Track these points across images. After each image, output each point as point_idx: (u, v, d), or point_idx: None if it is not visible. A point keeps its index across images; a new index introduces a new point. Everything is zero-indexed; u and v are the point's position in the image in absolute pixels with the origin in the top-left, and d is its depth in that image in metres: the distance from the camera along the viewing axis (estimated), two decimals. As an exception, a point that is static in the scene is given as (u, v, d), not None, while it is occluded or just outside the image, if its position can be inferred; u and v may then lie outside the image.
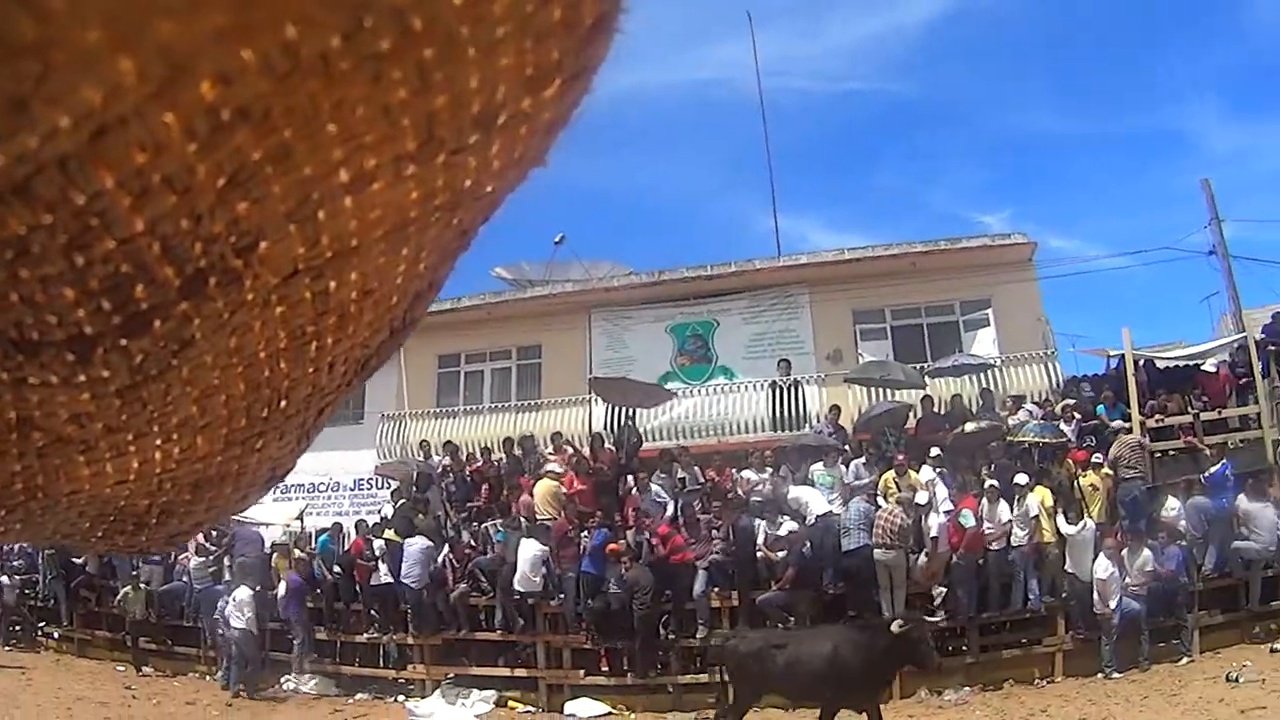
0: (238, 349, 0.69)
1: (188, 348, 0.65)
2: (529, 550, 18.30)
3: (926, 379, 21.85)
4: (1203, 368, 21.45)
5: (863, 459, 18.95)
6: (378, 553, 20.18)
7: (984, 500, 16.85)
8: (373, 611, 20.30)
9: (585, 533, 18.41)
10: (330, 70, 0.49)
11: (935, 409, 21.00)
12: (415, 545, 19.21)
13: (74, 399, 0.66)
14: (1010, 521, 16.68)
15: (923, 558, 16.84)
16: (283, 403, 0.80)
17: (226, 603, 19.94)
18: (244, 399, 0.76)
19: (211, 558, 21.59)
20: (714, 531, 18.00)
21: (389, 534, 20.27)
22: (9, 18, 0.42)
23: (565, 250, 30.37)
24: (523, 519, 19.27)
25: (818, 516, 17.28)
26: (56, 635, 24.22)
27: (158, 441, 0.76)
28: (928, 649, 12.32)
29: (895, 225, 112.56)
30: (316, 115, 0.52)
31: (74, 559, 23.74)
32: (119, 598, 22.05)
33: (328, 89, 0.50)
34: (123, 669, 21.55)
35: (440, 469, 23.46)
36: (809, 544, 17.19)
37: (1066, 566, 16.66)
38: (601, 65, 0.61)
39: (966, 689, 15.87)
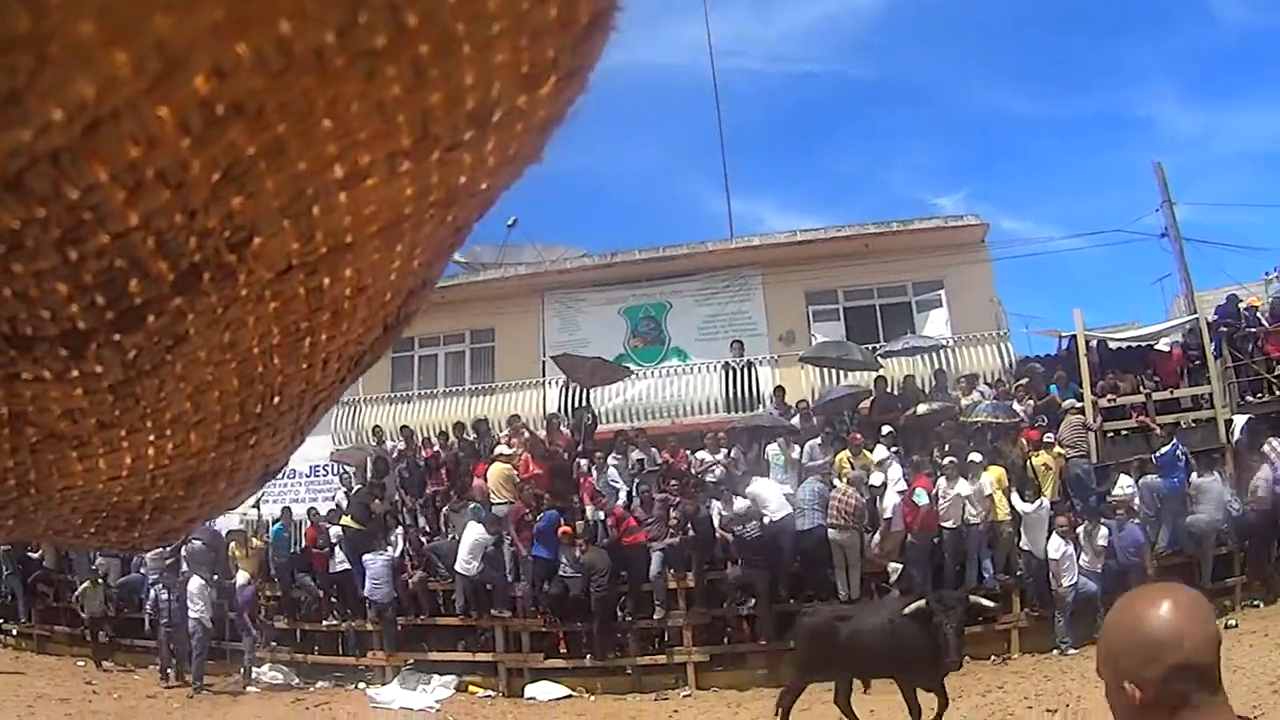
0: (231, 344, 0.69)
1: (181, 343, 0.65)
2: (471, 534, 18.31)
3: (879, 359, 21.89)
4: (1155, 348, 21.61)
5: (818, 439, 18.97)
6: (333, 539, 20.17)
7: (939, 479, 16.98)
8: (331, 599, 20.30)
9: (540, 515, 18.45)
10: (325, 66, 0.50)
11: (889, 389, 21.07)
12: (378, 562, 19.12)
13: (67, 394, 0.67)
14: (965, 500, 16.75)
15: (876, 536, 16.93)
16: (276, 399, 0.80)
17: (174, 594, 19.89)
18: (237, 395, 0.76)
19: (168, 549, 21.36)
20: (670, 513, 18.08)
21: (346, 520, 20.20)
22: (3, 10, 0.43)
23: (518, 233, 30.18)
24: (473, 502, 19.28)
25: (774, 520, 17.25)
26: (15, 632, 23.93)
27: (151, 437, 0.76)
28: (946, 640, 11.81)
29: (850, 207, 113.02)
30: (311, 111, 0.53)
31: (30, 554, 23.61)
32: (77, 593, 21.77)
33: (322, 85, 0.51)
34: (83, 664, 21.36)
35: (395, 454, 23.38)
36: (757, 527, 17.19)
37: (1021, 544, 16.82)
38: (597, 63, 0.62)
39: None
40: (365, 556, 19.18)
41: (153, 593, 20.36)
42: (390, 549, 19.55)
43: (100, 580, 21.63)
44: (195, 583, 19.51)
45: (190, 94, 0.48)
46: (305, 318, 0.70)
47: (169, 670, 19.88)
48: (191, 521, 1.02)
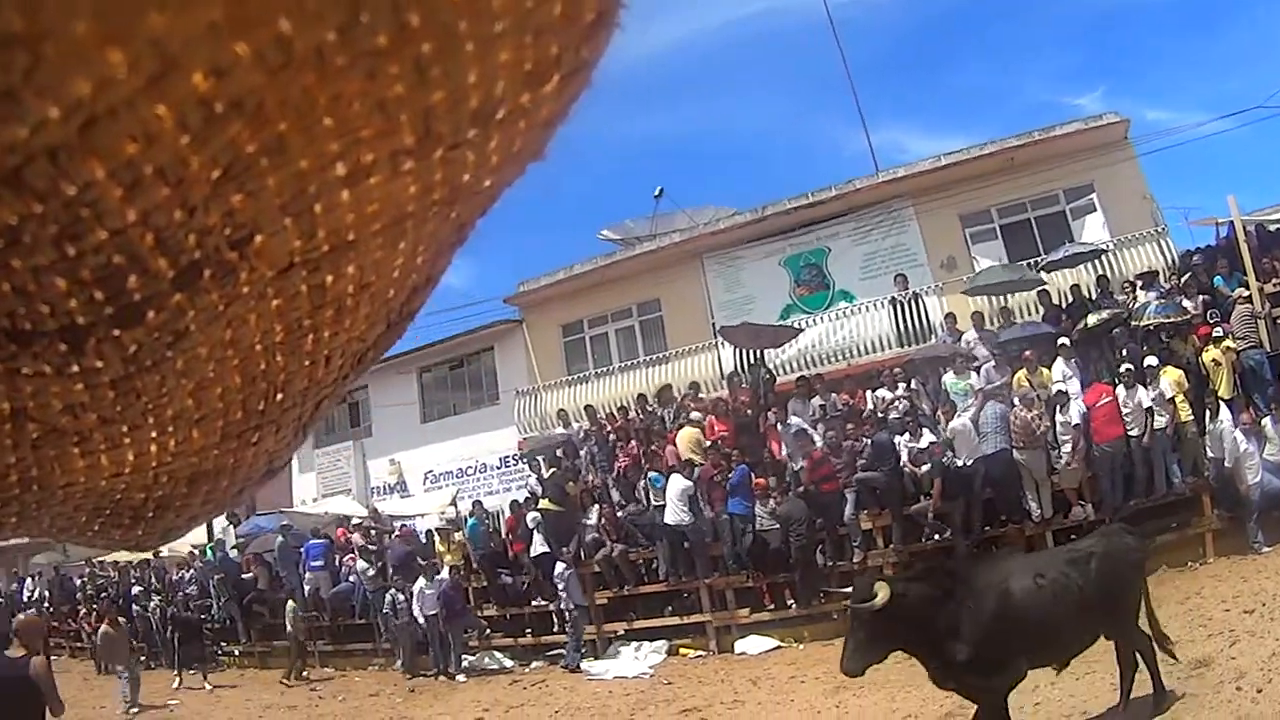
0: (233, 341, 0.70)
1: (182, 339, 0.67)
2: (676, 485, 18.55)
3: (1042, 273, 21.45)
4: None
5: (992, 362, 18.67)
6: (531, 524, 20.57)
7: (1119, 387, 16.57)
8: (539, 580, 20.57)
9: (731, 474, 18.53)
10: (325, 65, 0.51)
11: (1055, 302, 20.64)
12: (564, 569, 19.45)
13: (67, 389, 0.68)
14: (1147, 407, 16.31)
15: (1066, 452, 16.56)
16: (279, 396, 0.82)
17: (402, 596, 20.60)
18: (240, 392, 0.78)
19: (375, 557, 22.46)
20: (857, 455, 17.97)
21: (543, 504, 20.61)
22: None
23: (666, 202, 30.47)
24: (653, 472, 19.70)
25: (964, 465, 17.09)
26: (237, 652, 25.21)
27: (153, 434, 0.77)
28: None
29: (989, 122, 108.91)
30: (312, 109, 0.53)
31: (244, 577, 25.07)
32: (287, 612, 22.61)
33: (323, 83, 0.52)
34: (306, 673, 22.25)
35: (582, 434, 23.77)
36: (950, 454, 17.15)
37: (1206, 448, 16.22)
38: (602, 60, 0.62)
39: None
40: (558, 568, 19.50)
41: (386, 596, 21.05)
42: (576, 544, 19.96)
43: (307, 597, 22.68)
44: (420, 583, 20.10)
45: (188, 92, 0.50)
46: (308, 315, 0.72)
47: (395, 667, 20.84)
48: (194, 519, 1.04)
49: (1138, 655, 9.94)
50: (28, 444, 0.74)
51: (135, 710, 19.50)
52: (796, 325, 24.31)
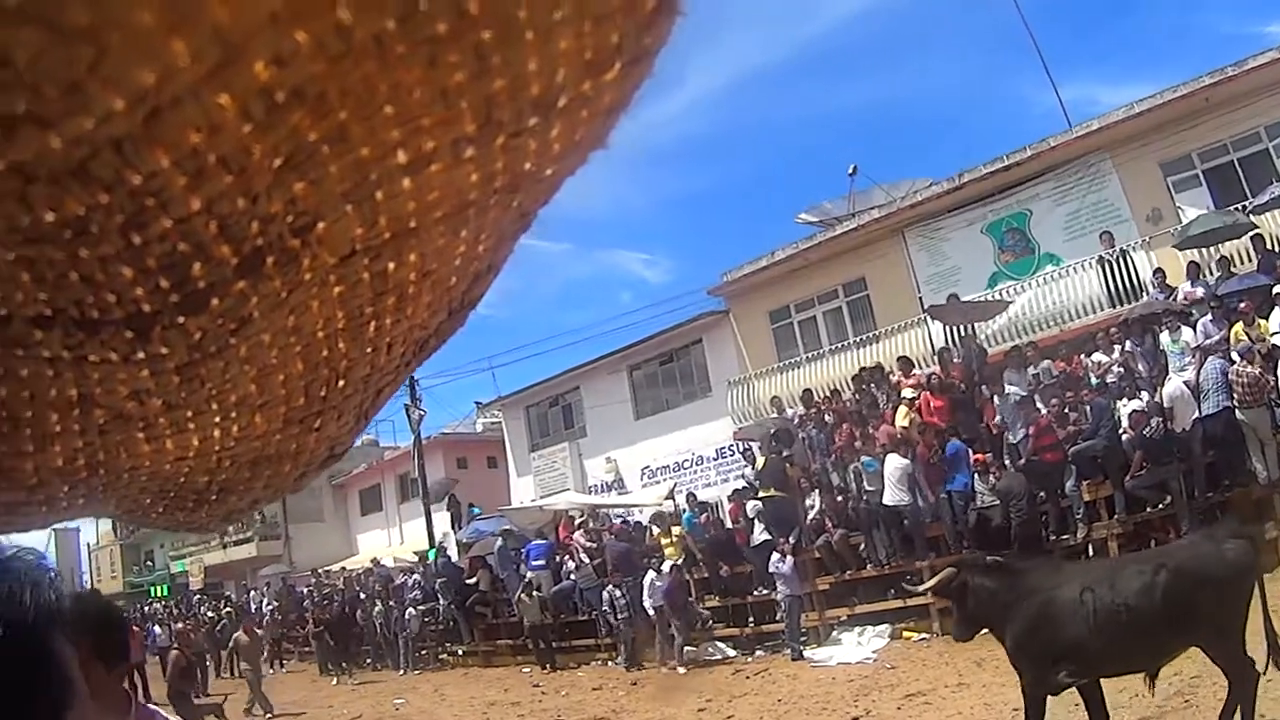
0: (296, 328, 0.72)
1: (245, 326, 0.68)
2: (893, 464, 18.43)
3: (1252, 217, 20.46)
4: None
5: (1208, 315, 17.84)
6: (751, 514, 20.59)
7: None
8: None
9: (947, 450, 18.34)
10: (385, 53, 0.52)
11: (1269, 247, 19.73)
12: (776, 558, 19.45)
13: (133, 376, 0.70)
14: None
15: None
16: (341, 382, 0.83)
17: (624, 590, 21.08)
18: (302, 378, 0.79)
19: (593, 554, 22.98)
20: (1075, 423, 17.62)
21: (764, 491, 20.67)
22: (63, 2, 0.45)
23: (861, 179, 30.51)
24: (865, 457, 19.48)
25: (1170, 429, 16.49)
26: (461, 652, 26.19)
27: (216, 419, 0.79)
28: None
29: (1178, 62, 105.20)
30: (373, 97, 0.54)
31: (467, 581, 26.05)
32: (516, 601, 23.47)
33: (383, 71, 0.53)
34: (528, 671, 22.86)
35: (797, 420, 23.69)
36: (1159, 421, 16.57)
37: None
38: (663, 48, 0.62)
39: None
40: (773, 557, 19.53)
41: (604, 593, 21.58)
42: (797, 531, 19.96)
43: (535, 593, 23.14)
44: (650, 575, 20.51)
45: (250, 81, 0.50)
46: (369, 302, 0.73)
47: (618, 662, 21.45)
48: (256, 503, 1.05)
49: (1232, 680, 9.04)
50: (95, 429, 0.76)
51: (265, 713, 21.94)
52: (1003, 295, 24.05)
